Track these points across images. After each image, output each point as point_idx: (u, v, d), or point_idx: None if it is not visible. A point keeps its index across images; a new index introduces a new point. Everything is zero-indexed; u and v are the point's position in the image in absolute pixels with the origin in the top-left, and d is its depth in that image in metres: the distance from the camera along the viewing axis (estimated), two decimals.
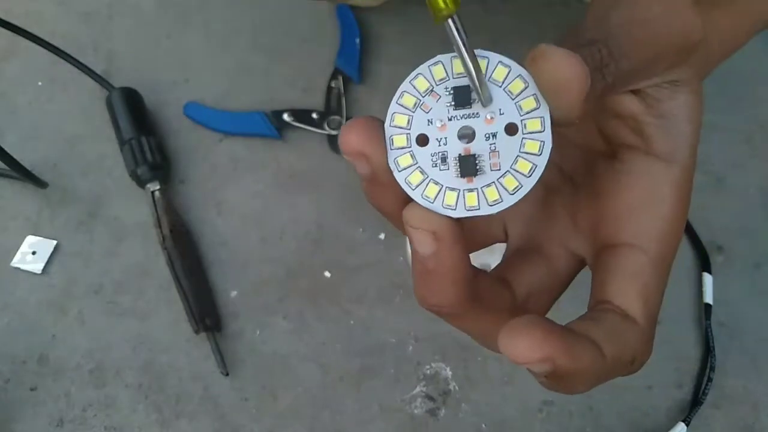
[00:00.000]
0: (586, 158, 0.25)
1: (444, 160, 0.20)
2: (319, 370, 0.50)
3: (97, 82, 0.61)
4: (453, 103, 0.20)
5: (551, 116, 0.19)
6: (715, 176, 0.55)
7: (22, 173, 0.53)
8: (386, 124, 0.20)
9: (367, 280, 0.53)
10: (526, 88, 0.20)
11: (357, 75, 0.61)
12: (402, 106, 0.20)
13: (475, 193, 0.20)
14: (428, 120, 0.20)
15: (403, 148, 0.20)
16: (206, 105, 0.60)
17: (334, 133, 0.58)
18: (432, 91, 0.20)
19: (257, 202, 0.57)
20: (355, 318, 0.52)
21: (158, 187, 0.55)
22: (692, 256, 0.52)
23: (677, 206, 0.23)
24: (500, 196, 0.20)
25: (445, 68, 0.20)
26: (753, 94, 0.58)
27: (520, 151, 0.20)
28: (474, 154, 0.20)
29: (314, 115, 0.59)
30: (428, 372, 0.49)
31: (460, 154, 0.20)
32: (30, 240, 0.55)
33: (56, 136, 0.61)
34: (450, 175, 0.20)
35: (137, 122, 0.58)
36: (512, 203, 0.19)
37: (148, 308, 0.53)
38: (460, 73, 0.20)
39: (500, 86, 0.20)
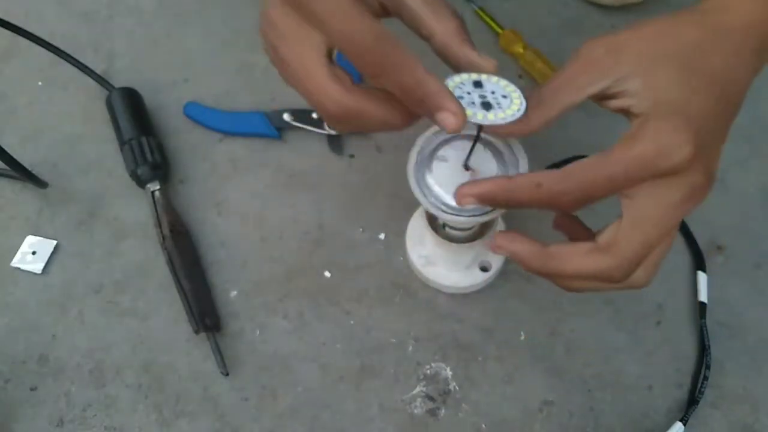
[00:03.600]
0: None
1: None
2: (319, 370, 0.50)
3: (97, 82, 0.61)
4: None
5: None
6: None
7: (22, 173, 0.53)
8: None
9: (367, 280, 0.53)
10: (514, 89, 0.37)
11: (357, 75, 0.61)
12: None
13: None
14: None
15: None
16: (206, 105, 0.60)
17: (334, 133, 0.58)
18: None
19: (257, 202, 0.57)
20: (355, 318, 0.52)
21: (158, 187, 0.55)
22: (690, 257, 0.52)
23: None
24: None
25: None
26: (753, 93, 0.58)
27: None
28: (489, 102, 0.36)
29: (314, 115, 0.59)
30: (428, 372, 0.49)
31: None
32: (30, 240, 0.55)
33: (56, 136, 0.61)
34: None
35: (137, 122, 0.58)
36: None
37: (148, 308, 0.53)
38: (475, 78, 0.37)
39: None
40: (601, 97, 0.35)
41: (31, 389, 0.50)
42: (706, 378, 0.47)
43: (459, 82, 0.36)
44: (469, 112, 0.35)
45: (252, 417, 0.48)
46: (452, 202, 0.38)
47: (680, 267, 0.52)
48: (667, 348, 0.49)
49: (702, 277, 0.51)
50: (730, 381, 0.48)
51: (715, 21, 0.34)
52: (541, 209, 0.35)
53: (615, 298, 0.51)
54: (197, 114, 0.60)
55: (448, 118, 0.33)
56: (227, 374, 0.49)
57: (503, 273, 0.52)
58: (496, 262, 0.51)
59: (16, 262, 0.55)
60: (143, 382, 0.50)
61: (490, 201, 0.36)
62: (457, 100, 0.34)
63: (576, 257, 0.34)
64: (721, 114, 0.34)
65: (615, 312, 0.51)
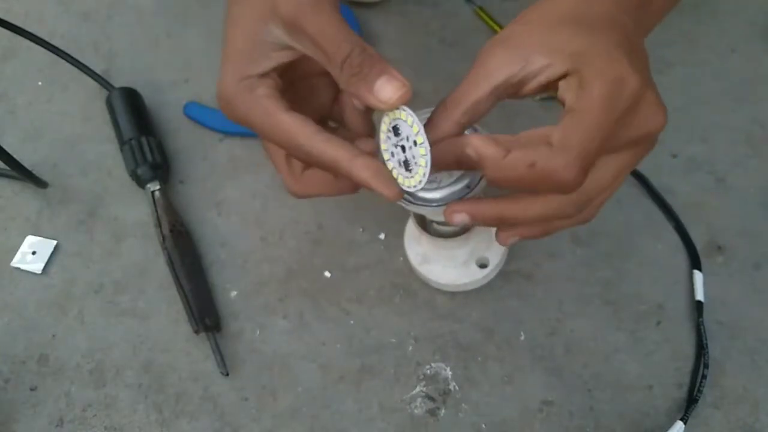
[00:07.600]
0: None
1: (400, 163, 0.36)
2: (319, 370, 0.50)
3: (97, 82, 0.61)
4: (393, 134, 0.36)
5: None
6: (715, 176, 0.55)
7: (22, 173, 0.53)
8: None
9: (367, 280, 0.53)
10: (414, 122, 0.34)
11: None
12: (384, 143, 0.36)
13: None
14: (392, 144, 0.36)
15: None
16: (206, 105, 0.60)
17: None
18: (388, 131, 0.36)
19: (257, 202, 0.57)
20: (355, 318, 0.52)
21: (158, 187, 0.56)
22: (690, 257, 0.52)
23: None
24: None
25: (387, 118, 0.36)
26: (753, 94, 0.58)
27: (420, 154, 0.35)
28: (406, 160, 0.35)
29: None
30: (428, 372, 0.49)
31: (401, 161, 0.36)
32: (30, 240, 0.55)
33: (56, 136, 0.61)
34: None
35: (137, 122, 0.58)
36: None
37: (148, 308, 0.53)
38: (396, 118, 0.35)
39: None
40: (516, 88, 0.33)
41: (31, 389, 0.50)
42: (704, 377, 0.47)
43: (387, 131, 0.35)
44: (394, 175, 0.36)
45: (252, 417, 0.48)
46: (420, 193, 0.37)
47: (680, 267, 0.52)
48: (667, 348, 0.49)
49: (698, 276, 0.51)
50: (730, 381, 0.48)
51: None
52: (530, 190, 0.33)
53: (615, 299, 0.51)
54: (197, 114, 0.60)
55: (388, 198, 0.35)
56: (227, 374, 0.49)
57: (503, 273, 0.52)
58: (494, 258, 0.51)
59: (16, 262, 0.55)
60: (143, 382, 0.50)
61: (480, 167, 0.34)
62: (387, 179, 0.34)
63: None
64: (635, 51, 0.33)
65: (615, 312, 0.51)
